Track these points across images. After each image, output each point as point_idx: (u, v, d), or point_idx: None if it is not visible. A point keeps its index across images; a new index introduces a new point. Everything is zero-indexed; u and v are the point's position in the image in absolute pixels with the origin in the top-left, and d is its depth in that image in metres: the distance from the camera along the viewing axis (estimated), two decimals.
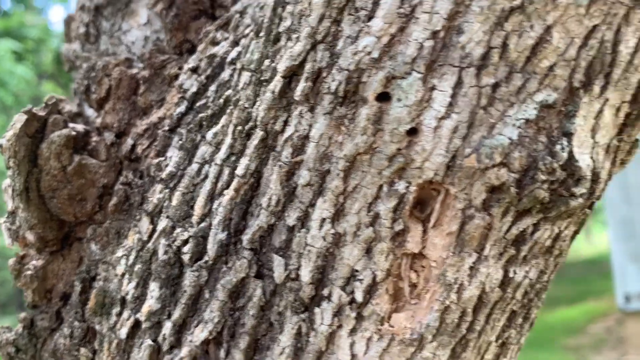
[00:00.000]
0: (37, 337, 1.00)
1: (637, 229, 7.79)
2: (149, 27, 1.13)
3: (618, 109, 0.73)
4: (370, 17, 0.68)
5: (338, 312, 0.76)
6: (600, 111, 0.72)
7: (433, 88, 0.67)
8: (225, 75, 0.89)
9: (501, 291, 0.77)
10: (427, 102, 0.68)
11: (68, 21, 1.28)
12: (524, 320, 0.86)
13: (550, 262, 0.82)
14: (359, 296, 0.75)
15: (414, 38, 0.66)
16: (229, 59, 0.90)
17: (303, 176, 0.75)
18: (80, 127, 0.98)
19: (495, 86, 0.67)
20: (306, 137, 0.74)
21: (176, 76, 0.94)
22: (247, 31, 0.91)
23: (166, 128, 0.91)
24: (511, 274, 0.77)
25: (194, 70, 0.93)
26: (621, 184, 7.65)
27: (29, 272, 0.98)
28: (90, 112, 1.10)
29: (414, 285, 0.77)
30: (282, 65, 0.74)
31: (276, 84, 0.76)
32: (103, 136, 0.99)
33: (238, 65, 0.86)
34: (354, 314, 0.76)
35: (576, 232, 0.85)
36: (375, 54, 0.68)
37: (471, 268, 0.74)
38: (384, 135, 0.70)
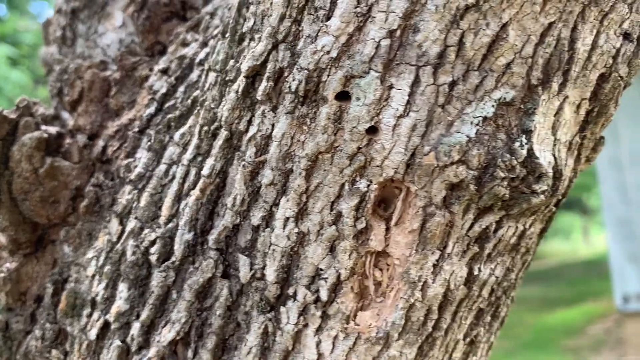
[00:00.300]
0: (12, 340, 1.01)
1: (635, 229, 7.78)
2: (124, 29, 1.13)
3: (578, 106, 0.74)
4: (328, 17, 0.68)
5: (303, 311, 0.76)
6: (560, 108, 0.72)
7: (391, 87, 0.67)
8: (193, 76, 0.89)
9: (466, 289, 0.77)
10: (386, 100, 0.68)
11: (46, 25, 1.28)
12: (493, 318, 0.86)
13: (517, 259, 0.83)
14: (323, 295, 0.76)
15: (371, 37, 0.66)
16: (197, 60, 0.90)
17: (266, 175, 0.75)
18: (52, 129, 0.98)
19: (453, 84, 0.67)
20: (269, 137, 0.74)
21: (147, 77, 0.95)
22: (215, 32, 0.91)
23: (136, 129, 0.91)
24: (476, 272, 0.77)
25: (164, 71, 0.93)
26: (619, 185, 7.65)
27: (2, 275, 0.98)
28: (66, 114, 1.10)
29: (379, 284, 0.77)
30: (245, 65, 0.75)
31: (239, 84, 0.76)
32: (76, 138, 1.00)
33: (206, 66, 0.86)
34: (319, 313, 0.76)
35: (543, 230, 0.86)
36: (334, 53, 0.68)
37: (434, 266, 0.74)
38: (344, 134, 0.70)
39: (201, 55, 0.90)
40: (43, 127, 0.97)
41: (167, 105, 0.90)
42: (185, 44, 0.95)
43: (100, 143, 0.96)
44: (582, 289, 10.46)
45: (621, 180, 7.57)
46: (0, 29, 8.63)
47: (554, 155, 0.73)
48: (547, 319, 8.29)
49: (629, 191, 7.65)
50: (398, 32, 0.66)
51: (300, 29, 0.70)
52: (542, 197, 0.72)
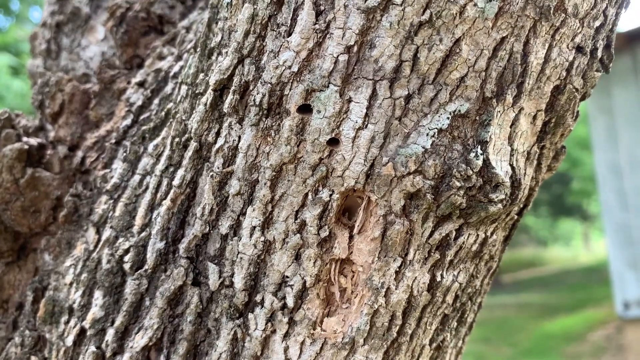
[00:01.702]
0: None
1: (635, 235, 7.77)
2: (106, 42, 1.16)
3: (535, 117, 0.76)
4: (289, 33, 0.71)
5: (271, 317, 0.79)
6: (516, 119, 0.74)
7: (350, 100, 0.70)
8: (168, 88, 0.92)
9: (430, 295, 0.79)
10: (345, 113, 0.70)
11: (33, 37, 1.31)
12: (459, 323, 0.88)
13: (481, 266, 0.85)
14: (290, 301, 0.78)
15: (330, 52, 0.69)
16: (172, 73, 0.93)
17: (234, 186, 0.77)
18: (33, 140, 1.01)
19: (409, 97, 0.69)
20: (236, 148, 0.77)
21: (124, 90, 0.97)
22: (189, 46, 0.94)
23: (113, 141, 0.93)
24: (438, 278, 0.79)
25: (141, 84, 0.96)
26: (617, 191, 7.65)
27: None
28: (49, 126, 1.13)
29: (344, 290, 0.79)
30: (213, 78, 0.77)
31: (208, 97, 0.79)
32: (57, 149, 1.02)
33: (179, 79, 0.89)
34: (286, 319, 0.78)
35: (507, 237, 0.88)
36: (295, 68, 0.70)
37: (397, 272, 0.76)
38: (306, 146, 0.72)
39: (175, 68, 0.93)
40: (24, 139, 1.00)
41: (142, 117, 0.93)
42: (161, 57, 0.97)
43: (80, 154, 0.98)
44: (582, 296, 10.45)
45: (620, 186, 7.58)
46: (2, 39, 8.70)
47: (511, 165, 0.76)
48: (548, 326, 8.28)
49: (629, 197, 7.65)
50: (355, 48, 0.69)
51: (264, 44, 0.73)
52: (499, 205, 0.75)
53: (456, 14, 0.67)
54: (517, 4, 0.68)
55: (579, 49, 0.74)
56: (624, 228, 7.74)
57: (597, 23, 0.74)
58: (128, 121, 0.93)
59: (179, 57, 0.95)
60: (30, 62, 1.32)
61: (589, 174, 12.92)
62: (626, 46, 7.08)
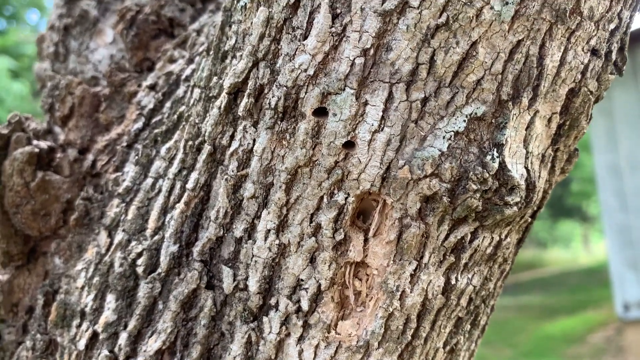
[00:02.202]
0: (4, 351, 1.02)
1: (634, 236, 7.77)
2: (115, 45, 1.16)
3: (550, 120, 0.76)
4: (305, 36, 0.71)
5: (285, 321, 0.79)
6: (531, 122, 0.74)
7: (366, 103, 0.70)
8: (180, 92, 0.92)
9: (444, 298, 0.79)
10: (361, 116, 0.70)
11: (40, 40, 1.31)
12: (472, 326, 0.88)
13: (494, 269, 0.85)
14: (305, 305, 0.78)
15: (346, 56, 0.69)
16: (184, 76, 0.93)
17: (248, 189, 0.77)
18: (43, 144, 1.01)
19: (425, 100, 0.69)
20: (250, 151, 0.77)
21: (135, 93, 0.97)
22: (201, 49, 0.94)
23: (124, 144, 0.93)
24: (453, 281, 0.79)
25: (152, 87, 0.96)
26: (617, 192, 7.66)
27: None
28: (58, 128, 1.13)
29: (359, 293, 0.79)
30: (227, 82, 0.77)
31: (222, 100, 0.79)
32: (67, 152, 1.02)
33: (191, 82, 0.89)
34: (300, 322, 0.78)
35: (520, 240, 0.88)
36: (311, 71, 0.70)
37: (412, 275, 0.76)
38: (322, 149, 0.72)
39: (187, 71, 0.93)
40: (34, 142, 1.00)
41: (154, 120, 0.93)
42: (172, 60, 0.97)
43: (90, 157, 0.98)
44: (582, 297, 10.45)
45: (620, 187, 7.59)
46: (1, 42, 8.70)
47: (526, 167, 0.76)
48: (548, 328, 8.28)
49: (628, 198, 7.65)
50: (372, 51, 0.69)
51: (279, 47, 0.73)
52: (515, 208, 0.75)
53: (473, 17, 0.67)
54: (534, 7, 0.68)
55: (594, 52, 0.74)
56: (623, 229, 7.74)
57: (612, 26, 0.74)
58: (139, 124, 0.93)
59: (190, 60, 0.95)
60: (37, 65, 1.32)
61: (588, 176, 12.92)
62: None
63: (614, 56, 0.77)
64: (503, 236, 0.81)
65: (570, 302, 10.11)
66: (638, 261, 7.53)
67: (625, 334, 7.20)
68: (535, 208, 0.84)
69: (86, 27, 1.20)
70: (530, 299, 11.09)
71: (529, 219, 0.85)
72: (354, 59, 0.69)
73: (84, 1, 1.22)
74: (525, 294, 11.76)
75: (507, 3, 0.67)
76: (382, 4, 0.67)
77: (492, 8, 0.67)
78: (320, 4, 0.69)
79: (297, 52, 0.71)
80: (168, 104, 0.92)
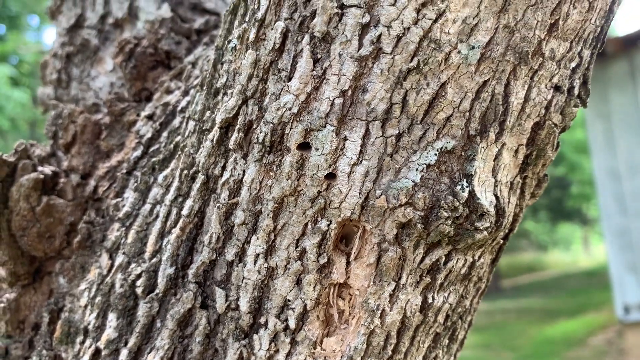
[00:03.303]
0: None
1: (634, 239, 7.82)
2: (114, 73, 1.22)
3: (516, 151, 0.82)
4: (289, 78, 0.77)
5: (274, 338, 0.85)
6: (499, 154, 0.80)
7: (345, 139, 0.76)
8: (176, 122, 0.98)
9: (422, 315, 0.85)
10: (341, 150, 0.77)
11: (43, 66, 1.38)
12: (450, 341, 0.94)
13: (470, 287, 0.91)
14: (292, 323, 0.84)
15: (326, 96, 0.75)
16: (179, 107, 0.99)
17: (239, 216, 0.84)
18: (48, 169, 1.07)
19: (399, 136, 0.76)
20: (240, 181, 0.83)
21: (134, 122, 1.03)
22: (195, 82, 1.00)
23: (124, 171, 1.00)
24: (430, 300, 0.85)
25: (150, 117, 1.02)
26: (616, 195, 7.70)
27: (2, 305, 1.07)
28: (61, 153, 1.19)
29: (342, 312, 0.85)
30: (219, 117, 0.83)
31: (215, 133, 0.85)
32: (70, 177, 1.08)
33: (186, 114, 0.95)
34: (288, 339, 0.84)
35: (494, 259, 0.94)
36: (295, 110, 0.77)
37: (391, 295, 0.82)
38: (306, 180, 0.79)
39: (183, 103, 0.99)
40: (39, 168, 1.06)
41: (152, 148, 0.99)
42: (169, 91, 1.04)
43: (92, 182, 1.04)
44: (583, 300, 10.49)
45: (619, 190, 7.63)
46: (1, 48, 8.78)
47: (495, 195, 0.82)
48: (549, 331, 8.32)
49: (627, 201, 7.70)
50: (349, 92, 0.75)
51: (266, 87, 0.79)
52: (485, 233, 0.81)
53: (441, 60, 0.74)
54: (498, 50, 0.74)
55: (557, 88, 0.80)
56: (623, 232, 7.79)
57: (573, 64, 0.80)
58: (138, 152, 1.00)
59: (185, 92, 1.01)
60: (40, 89, 1.39)
61: (587, 178, 12.98)
62: (623, 51, 7.15)
63: (576, 91, 0.83)
64: (476, 257, 0.87)
65: (570, 305, 10.15)
66: (638, 264, 7.57)
67: (626, 337, 7.23)
68: (506, 231, 0.90)
69: (87, 55, 1.27)
70: (531, 302, 11.14)
71: (501, 241, 0.91)
72: (334, 99, 0.75)
73: (85, 30, 1.29)
74: (526, 297, 11.80)
75: (473, 47, 0.73)
76: (358, 50, 0.73)
77: (459, 52, 0.73)
78: (302, 49, 0.75)
79: (282, 92, 0.77)
80: (165, 134, 0.99)
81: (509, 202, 0.85)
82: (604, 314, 8.83)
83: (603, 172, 7.70)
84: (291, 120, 0.77)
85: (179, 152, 0.94)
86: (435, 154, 0.76)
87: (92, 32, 1.28)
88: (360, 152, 0.76)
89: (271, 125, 0.78)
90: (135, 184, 0.97)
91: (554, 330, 8.40)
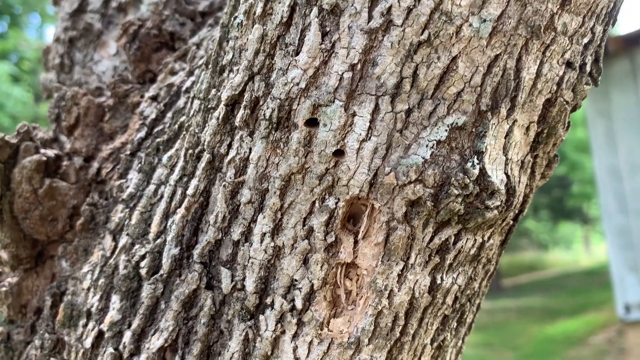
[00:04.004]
0: (13, 350, 1.07)
1: (635, 238, 7.81)
2: (118, 57, 1.21)
3: (528, 129, 0.81)
4: (297, 52, 0.76)
5: (281, 319, 0.83)
6: (510, 131, 0.79)
7: (354, 114, 0.75)
8: (180, 102, 0.97)
9: (430, 296, 0.84)
10: (350, 126, 0.75)
11: (46, 52, 1.36)
12: (459, 324, 0.93)
13: (478, 269, 0.89)
14: (298, 303, 0.82)
15: (335, 70, 0.74)
16: (184, 88, 0.98)
17: (245, 195, 0.82)
18: (51, 152, 1.06)
19: (409, 111, 0.74)
20: (247, 159, 0.82)
21: (138, 104, 1.02)
22: (200, 62, 0.99)
23: (128, 152, 0.98)
24: (439, 281, 0.84)
25: (154, 98, 1.00)
26: (617, 194, 7.69)
27: (3, 289, 1.05)
28: (64, 137, 1.18)
29: (349, 292, 0.84)
30: (225, 94, 0.82)
31: (220, 111, 0.84)
32: (73, 160, 1.07)
33: (191, 94, 0.94)
34: (295, 320, 0.83)
35: (504, 241, 0.92)
36: (303, 85, 0.75)
37: (399, 275, 0.81)
38: (313, 157, 0.77)
39: (187, 83, 0.98)
40: (42, 151, 1.05)
41: (156, 129, 0.98)
42: (173, 72, 1.02)
43: (95, 165, 1.03)
44: (583, 299, 10.47)
45: (620, 189, 7.62)
46: (1, 46, 8.78)
47: (506, 173, 0.80)
48: (549, 330, 8.30)
49: (628, 200, 7.69)
50: (359, 66, 0.73)
51: (273, 62, 0.78)
52: (495, 212, 0.79)
53: (453, 33, 0.72)
54: (510, 24, 0.73)
55: (569, 64, 0.79)
56: (624, 231, 7.78)
57: (586, 40, 0.79)
58: (142, 133, 0.98)
59: (190, 73, 1.00)
60: (43, 75, 1.37)
61: (588, 177, 12.96)
62: (624, 50, 7.14)
63: (588, 68, 0.82)
64: (486, 238, 0.86)
65: (571, 304, 10.13)
66: (638, 263, 7.56)
67: (627, 336, 7.22)
68: (516, 211, 0.88)
69: (90, 39, 1.25)
70: (531, 301, 11.12)
71: (511, 222, 0.89)
72: (343, 73, 0.74)
73: (88, 14, 1.28)
74: (526, 296, 11.79)
75: (484, 20, 0.72)
76: (368, 23, 0.72)
77: (470, 25, 0.72)
78: (310, 22, 0.74)
79: (289, 67, 0.76)
80: (169, 114, 0.97)
81: (519, 181, 0.83)
82: (604, 313, 8.81)
83: (604, 171, 7.69)
84: (299, 96, 0.76)
85: (184, 132, 0.92)
86: (446, 130, 0.75)
87: (95, 16, 1.27)
88: (369, 128, 0.75)
89: (278, 101, 0.77)
90: (139, 165, 0.96)
91: (555, 329, 8.38)
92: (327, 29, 0.74)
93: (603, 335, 7.76)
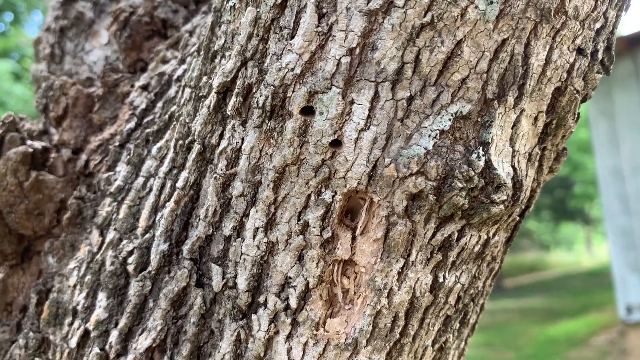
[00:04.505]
0: None
1: (637, 239, 7.76)
2: (109, 47, 1.17)
3: (536, 119, 0.77)
4: (292, 36, 0.71)
5: (274, 318, 0.79)
6: (517, 121, 0.75)
7: (352, 102, 0.70)
8: (171, 92, 0.93)
9: (432, 296, 0.80)
10: (348, 115, 0.71)
11: (37, 42, 1.32)
12: (461, 325, 0.88)
13: (483, 267, 0.85)
14: (293, 302, 0.78)
15: (332, 55, 0.70)
16: (175, 77, 0.94)
17: (237, 187, 0.78)
18: (38, 144, 1.02)
19: (411, 99, 0.70)
20: (239, 150, 0.77)
21: (128, 93, 0.98)
22: (192, 50, 0.94)
23: (117, 143, 0.94)
24: (441, 279, 0.79)
25: (145, 87, 0.96)
26: (619, 195, 7.65)
27: None
28: (53, 129, 1.14)
29: (347, 291, 0.79)
30: (216, 81, 0.78)
31: (211, 99, 0.79)
32: (61, 152, 1.03)
33: (182, 82, 0.90)
34: (289, 320, 0.79)
35: (509, 238, 0.88)
36: (298, 70, 0.71)
37: (399, 273, 0.77)
38: (309, 147, 0.73)
39: (179, 71, 0.94)
40: (28, 142, 1.01)
41: (146, 120, 0.94)
42: (165, 61, 0.98)
43: (84, 157, 0.99)
44: (585, 300, 10.42)
45: (622, 190, 7.58)
46: (3, 44, 8.75)
47: (513, 166, 0.76)
48: (551, 330, 8.25)
49: (630, 201, 7.65)
50: (357, 50, 0.69)
51: (266, 47, 0.74)
52: (501, 206, 0.75)
53: (457, 16, 0.68)
54: (518, 6, 0.68)
55: (580, 51, 0.75)
56: (626, 232, 7.73)
57: (598, 25, 0.75)
58: (132, 124, 0.94)
59: (182, 61, 0.95)
60: (34, 66, 1.33)
61: (590, 178, 12.90)
62: (627, 50, 7.09)
63: (600, 55, 0.78)
64: (491, 234, 0.81)
65: (573, 305, 10.08)
66: None
67: (628, 337, 7.18)
68: (523, 207, 0.84)
69: (82, 28, 1.21)
70: (533, 301, 11.06)
71: (517, 218, 0.85)
72: (340, 58, 0.69)
73: (80, 3, 1.23)
74: (528, 297, 11.73)
75: (491, 2, 0.68)
76: (367, 4, 0.68)
77: (476, 7, 0.68)
78: (306, 3, 0.70)
79: (284, 52, 0.72)
80: (160, 104, 0.93)
81: (526, 174, 0.79)
82: (606, 314, 8.76)
83: (606, 172, 7.64)
84: (294, 82, 0.72)
85: (174, 122, 0.88)
86: (450, 119, 0.70)
87: (87, 4, 1.22)
88: (369, 116, 0.71)
89: (272, 87, 0.73)
90: (128, 157, 0.92)
91: (556, 330, 8.33)
92: (324, 10, 0.69)
93: (605, 336, 7.71)
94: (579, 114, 0.81)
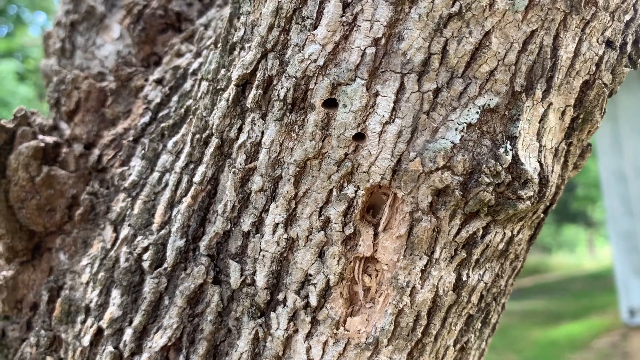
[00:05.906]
0: (8, 348, 1.01)
1: None
2: (121, 41, 1.15)
3: (563, 113, 0.75)
4: (315, 26, 0.70)
5: (293, 317, 0.77)
6: (545, 115, 0.73)
7: (377, 94, 0.69)
8: (187, 85, 0.91)
9: (455, 294, 0.78)
10: (372, 107, 0.69)
11: (46, 37, 1.31)
12: (483, 324, 0.86)
13: (506, 266, 0.83)
14: (313, 300, 0.76)
15: (357, 45, 0.68)
16: (191, 70, 0.92)
17: (256, 182, 0.76)
18: (49, 139, 1.00)
19: (437, 91, 0.68)
20: (259, 144, 0.76)
21: (142, 87, 0.96)
22: (208, 43, 0.93)
23: (131, 138, 0.92)
24: (464, 277, 0.78)
25: (159, 81, 0.95)
26: (622, 197, 7.62)
27: None
28: (64, 124, 1.12)
29: (368, 289, 0.77)
30: (236, 74, 0.76)
31: (230, 92, 0.78)
32: (72, 147, 1.01)
33: (199, 76, 0.88)
34: (309, 318, 0.77)
35: (532, 236, 0.86)
36: (321, 62, 0.69)
37: (422, 271, 0.75)
38: (331, 141, 0.71)
39: (195, 65, 0.92)
40: (40, 137, 0.99)
41: (161, 114, 0.92)
42: (179, 54, 0.96)
43: (96, 152, 0.97)
44: (587, 303, 10.39)
45: (625, 192, 7.55)
46: (7, 45, 8.75)
47: (539, 161, 0.74)
48: (553, 333, 8.23)
49: (633, 203, 7.62)
50: (383, 41, 0.67)
51: (288, 38, 0.72)
52: (528, 202, 0.73)
53: (486, 6, 0.66)
54: None
55: (609, 44, 0.73)
56: (628, 234, 7.70)
57: (627, 17, 0.73)
58: (146, 118, 0.92)
59: (197, 54, 0.94)
60: (43, 61, 1.31)
61: (593, 180, 12.87)
62: None
63: (629, 48, 0.76)
64: (515, 232, 0.79)
65: (575, 308, 10.05)
66: None
67: (631, 340, 7.15)
68: (547, 203, 0.82)
69: (93, 23, 1.20)
70: (535, 304, 11.03)
71: (542, 215, 0.83)
72: (365, 48, 0.68)
73: None
74: (530, 299, 11.70)
75: None
76: None
77: None
78: None
79: (306, 43, 0.70)
80: (175, 98, 0.91)
81: (552, 170, 0.77)
82: (608, 317, 8.73)
83: (609, 174, 7.61)
84: (316, 74, 0.70)
85: (191, 116, 0.86)
86: (477, 112, 0.69)
87: None
88: (393, 109, 0.69)
89: (294, 79, 0.71)
90: (143, 152, 0.90)
91: (558, 332, 8.30)
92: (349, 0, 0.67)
93: (607, 339, 7.68)
94: (605, 108, 0.79)
